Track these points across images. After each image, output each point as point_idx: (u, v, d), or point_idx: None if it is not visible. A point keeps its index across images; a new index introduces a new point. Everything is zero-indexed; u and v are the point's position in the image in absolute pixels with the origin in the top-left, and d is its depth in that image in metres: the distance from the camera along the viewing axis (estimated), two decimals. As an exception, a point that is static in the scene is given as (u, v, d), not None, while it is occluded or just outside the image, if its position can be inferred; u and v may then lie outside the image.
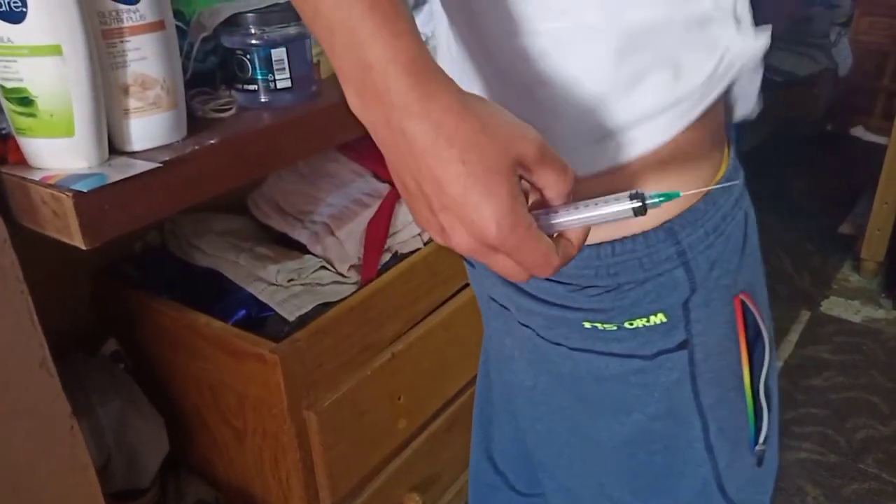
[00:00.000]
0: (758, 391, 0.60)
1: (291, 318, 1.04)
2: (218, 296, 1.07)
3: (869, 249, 2.24)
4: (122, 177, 0.72)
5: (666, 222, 0.53)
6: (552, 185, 0.42)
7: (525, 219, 0.40)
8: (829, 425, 1.73)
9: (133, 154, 0.78)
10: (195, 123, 0.85)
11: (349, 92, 0.41)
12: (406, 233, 1.19)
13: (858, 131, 3.18)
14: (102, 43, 0.73)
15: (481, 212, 0.39)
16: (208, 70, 0.94)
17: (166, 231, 1.17)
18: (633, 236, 0.53)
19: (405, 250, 1.19)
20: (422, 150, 0.39)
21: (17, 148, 0.75)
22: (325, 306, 1.06)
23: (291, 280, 1.09)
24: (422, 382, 1.17)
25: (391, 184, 1.19)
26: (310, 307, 1.06)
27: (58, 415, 0.87)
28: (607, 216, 0.43)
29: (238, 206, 1.22)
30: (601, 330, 0.57)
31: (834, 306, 2.18)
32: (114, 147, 0.78)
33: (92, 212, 0.71)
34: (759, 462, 0.63)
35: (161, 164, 0.75)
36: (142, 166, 0.75)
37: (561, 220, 0.44)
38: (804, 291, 2.26)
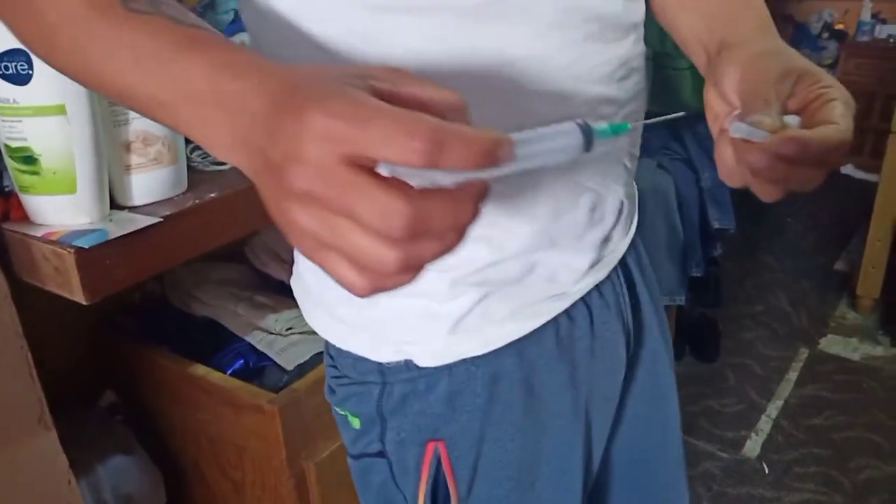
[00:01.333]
0: None
1: (290, 367, 1.04)
2: (216, 346, 1.07)
3: (864, 286, 2.26)
4: (124, 232, 0.74)
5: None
6: (381, 145, 0.30)
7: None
8: (831, 465, 1.71)
9: (134, 209, 0.80)
10: (195, 177, 0.86)
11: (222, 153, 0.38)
12: (404, 279, 1.20)
13: (849, 169, 3.22)
14: (105, 102, 0.75)
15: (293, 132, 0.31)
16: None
17: (165, 281, 1.18)
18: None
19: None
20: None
21: (20, 205, 0.76)
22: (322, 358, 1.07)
23: (290, 328, 1.10)
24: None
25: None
26: (308, 356, 1.06)
27: (56, 470, 0.86)
28: (548, 154, 0.35)
29: (237, 254, 1.23)
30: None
31: (832, 344, 2.18)
32: (115, 202, 0.79)
33: (93, 267, 0.71)
34: None
35: (162, 219, 0.76)
36: (143, 221, 0.76)
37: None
38: (802, 329, 2.26)
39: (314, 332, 1.09)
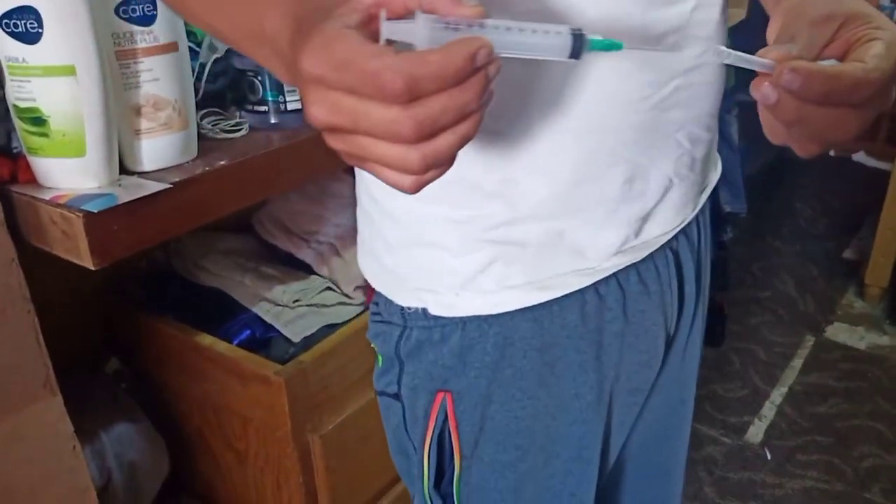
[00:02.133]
0: (428, 493, 0.64)
1: (297, 339, 1.03)
2: (223, 316, 1.06)
3: (873, 275, 2.24)
4: (132, 197, 0.72)
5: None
6: None
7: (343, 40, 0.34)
8: (834, 453, 1.71)
9: (143, 174, 0.78)
10: (205, 144, 0.85)
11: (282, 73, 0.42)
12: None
13: (861, 157, 3.19)
14: (116, 64, 0.73)
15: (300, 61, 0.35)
16: (219, 91, 0.94)
17: (171, 250, 1.17)
18: None
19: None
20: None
21: (28, 167, 0.75)
22: (331, 327, 1.06)
23: (297, 301, 1.09)
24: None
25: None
26: (315, 328, 1.05)
27: (61, 435, 0.86)
28: (531, 46, 0.37)
29: (244, 225, 1.22)
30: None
31: (838, 332, 2.17)
32: (124, 167, 0.78)
33: (101, 232, 0.70)
34: None
35: (171, 185, 0.75)
36: (152, 187, 0.74)
37: (466, 33, 0.35)
38: (809, 316, 2.25)
39: (322, 305, 1.10)
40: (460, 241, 0.56)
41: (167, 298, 1.10)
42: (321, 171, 0.99)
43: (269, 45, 0.40)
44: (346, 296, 1.12)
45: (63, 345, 0.86)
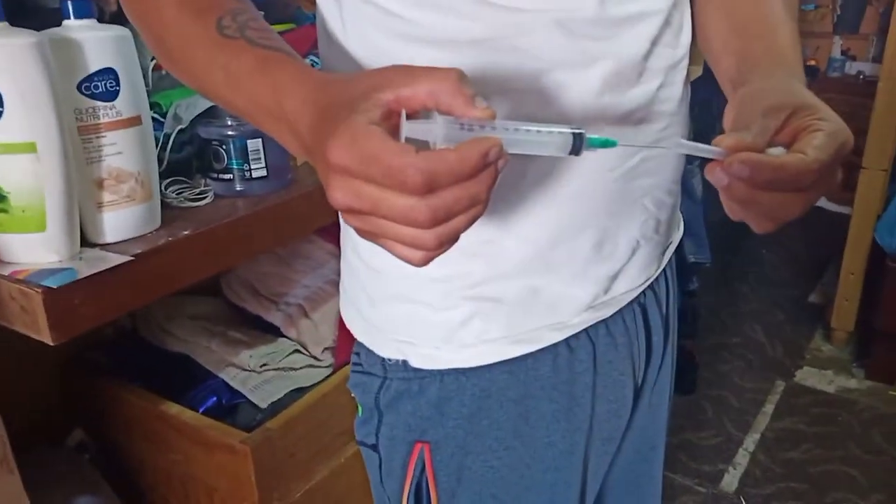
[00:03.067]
0: None
1: (264, 405, 1.02)
2: (189, 382, 1.05)
3: (838, 319, 2.28)
4: (94, 271, 0.72)
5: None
6: (435, 90, 0.39)
7: (367, 131, 0.37)
8: (809, 500, 1.71)
9: (106, 246, 0.78)
10: (170, 213, 0.85)
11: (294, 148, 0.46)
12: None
13: (822, 202, 3.27)
14: (78, 139, 0.74)
15: (327, 145, 0.38)
16: (184, 160, 0.95)
17: (138, 316, 1.16)
18: None
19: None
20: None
21: (-12, 242, 0.74)
22: (299, 391, 1.05)
23: (264, 365, 1.08)
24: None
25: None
26: (282, 393, 1.04)
27: (18, 514, 0.83)
28: (536, 144, 0.41)
29: (212, 287, 1.22)
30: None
31: (808, 376, 2.20)
32: (86, 239, 0.78)
33: (61, 308, 0.70)
34: None
35: (133, 257, 0.75)
36: (114, 259, 0.74)
37: (479, 133, 0.39)
38: (777, 362, 2.28)
39: (290, 368, 1.09)
40: (441, 298, 0.58)
41: (133, 365, 1.09)
42: (287, 237, 0.99)
43: (287, 124, 0.44)
44: (315, 358, 1.12)
45: (24, 416, 0.84)
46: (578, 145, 0.41)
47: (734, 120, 0.46)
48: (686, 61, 0.60)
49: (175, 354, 1.11)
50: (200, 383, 1.05)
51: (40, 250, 0.73)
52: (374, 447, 0.65)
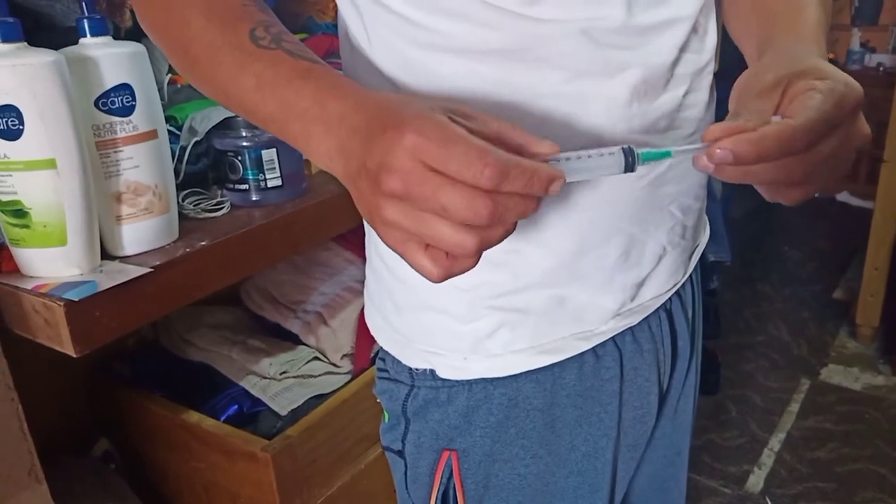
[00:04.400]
0: None
1: (284, 412, 1.03)
2: (210, 391, 1.06)
3: (863, 315, 2.25)
4: (114, 283, 0.73)
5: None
6: (502, 128, 0.41)
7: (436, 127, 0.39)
8: (837, 499, 1.69)
9: (125, 259, 0.80)
10: (187, 224, 0.86)
11: (325, 162, 0.46)
12: (399, 320, 1.20)
13: (844, 196, 3.23)
14: (96, 154, 0.75)
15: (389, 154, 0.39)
16: (200, 171, 0.96)
17: (159, 326, 1.17)
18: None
19: (398, 337, 1.19)
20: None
21: (10, 257, 0.76)
22: (318, 398, 1.06)
23: (284, 372, 1.09)
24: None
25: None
26: (303, 400, 1.05)
27: (46, 524, 0.85)
28: (594, 169, 0.43)
29: (231, 296, 1.23)
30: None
31: (833, 374, 2.17)
32: (106, 252, 0.79)
33: (83, 320, 0.71)
34: None
35: (152, 269, 0.76)
36: (133, 271, 0.76)
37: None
38: (803, 359, 2.25)
39: (309, 376, 1.10)
40: (468, 308, 0.58)
41: (155, 375, 1.10)
42: (303, 245, 1.00)
43: (324, 124, 0.44)
44: (334, 365, 1.13)
45: (50, 428, 0.86)
46: (631, 161, 0.42)
47: (735, 105, 0.45)
48: (712, 65, 0.59)
49: (196, 364, 1.12)
50: (221, 392, 1.06)
51: (61, 264, 0.74)
52: (401, 453, 0.64)
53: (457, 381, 0.60)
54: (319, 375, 1.10)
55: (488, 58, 0.51)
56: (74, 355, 0.73)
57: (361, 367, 1.12)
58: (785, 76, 0.43)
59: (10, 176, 0.70)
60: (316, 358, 1.13)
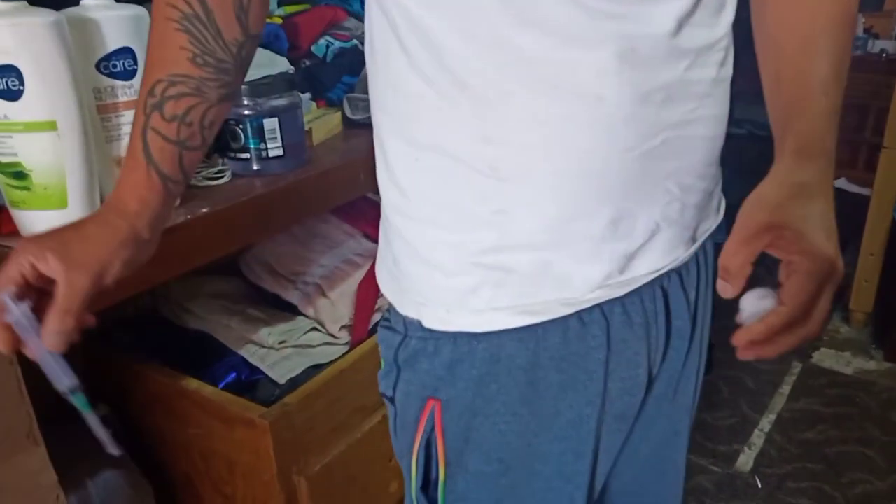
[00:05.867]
0: (416, 496, 0.68)
1: (282, 381, 1.04)
2: (209, 359, 1.07)
3: (857, 301, 2.26)
4: (114, 247, 0.73)
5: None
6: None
7: None
8: (825, 480, 1.71)
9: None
10: (188, 192, 0.86)
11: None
12: (397, 293, 1.20)
13: (842, 183, 3.23)
14: (97, 117, 0.75)
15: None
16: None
17: (157, 295, 1.17)
18: None
19: (396, 310, 1.19)
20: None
21: (10, 219, 0.76)
22: (316, 368, 1.06)
23: (283, 342, 1.09)
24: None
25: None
26: (300, 370, 1.06)
27: (43, 486, 0.86)
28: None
29: (230, 266, 1.23)
30: None
31: (825, 358, 2.18)
32: (106, 217, 0.79)
33: (83, 283, 0.71)
34: None
35: (153, 234, 0.76)
36: (134, 236, 0.75)
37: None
38: (795, 343, 2.26)
39: (307, 346, 1.10)
40: (453, 262, 0.59)
41: (153, 343, 1.11)
42: (303, 215, 1.00)
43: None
44: (332, 336, 1.13)
45: (49, 392, 0.86)
46: None
47: (736, 226, 0.51)
48: (726, 41, 0.59)
49: (195, 332, 1.13)
50: (220, 360, 1.07)
51: (62, 227, 0.74)
52: (392, 400, 0.67)
53: (442, 333, 0.61)
54: (318, 346, 1.11)
55: (475, 17, 0.52)
56: (75, 318, 0.72)
57: (359, 339, 1.12)
58: (775, 226, 0.50)
59: (11, 137, 0.70)
60: (314, 329, 1.13)
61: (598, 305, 0.61)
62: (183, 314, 1.15)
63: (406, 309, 0.64)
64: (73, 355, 1.06)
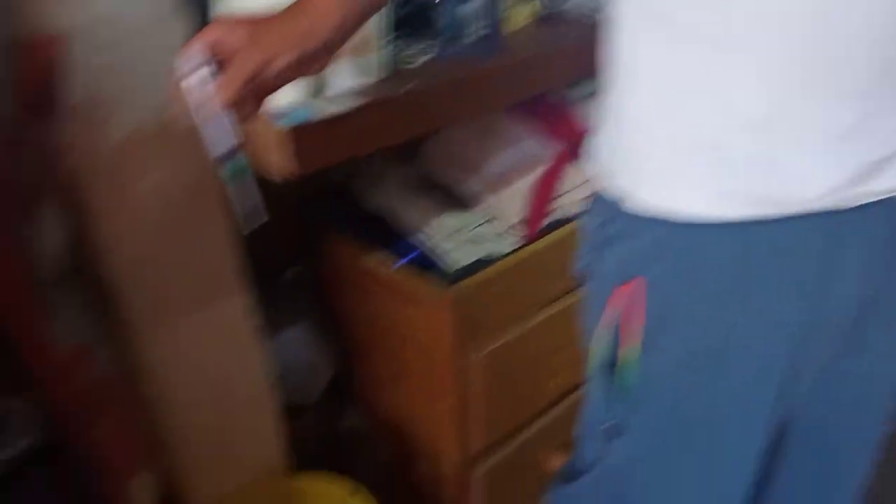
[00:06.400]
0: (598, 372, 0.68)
1: (455, 269, 1.07)
2: (390, 240, 1.12)
3: None
4: (321, 117, 0.78)
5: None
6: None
7: None
8: None
9: (329, 98, 0.83)
10: (388, 71, 0.88)
11: None
12: (572, 196, 1.19)
13: None
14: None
15: None
16: (404, 19, 0.97)
17: (348, 173, 1.23)
18: None
19: (569, 214, 1.18)
20: None
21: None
22: (488, 261, 1.09)
23: (456, 233, 1.12)
24: (574, 347, 1.17)
25: (563, 143, 1.18)
26: (474, 259, 1.08)
27: (247, 330, 0.95)
28: None
29: (410, 155, 1.27)
30: None
31: None
32: (313, 87, 0.83)
33: (293, 146, 0.76)
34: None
35: (357, 107, 0.80)
36: (339, 107, 0.79)
37: None
38: None
39: (480, 239, 1.12)
40: (670, 146, 0.57)
41: (342, 217, 1.18)
42: (494, 103, 1.00)
43: None
44: (505, 231, 1.14)
45: (251, 250, 0.95)
46: None
47: None
48: None
49: (376, 214, 1.18)
50: (399, 242, 1.12)
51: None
52: (588, 278, 0.68)
53: (655, 214, 0.59)
54: (491, 239, 1.12)
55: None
56: (279, 181, 0.78)
57: (532, 236, 1.13)
58: None
59: None
60: (488, 222, 1.15)
61: (826, 212, 0.55)
62: (368, 196, 1.20)
63: (617, 188, 0.62)
64: (272, 221, 1.14)
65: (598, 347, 0.67)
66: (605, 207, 0.64)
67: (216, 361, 0.93)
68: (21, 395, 0.75)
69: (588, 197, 0.70)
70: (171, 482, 0.97)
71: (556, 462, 1.24)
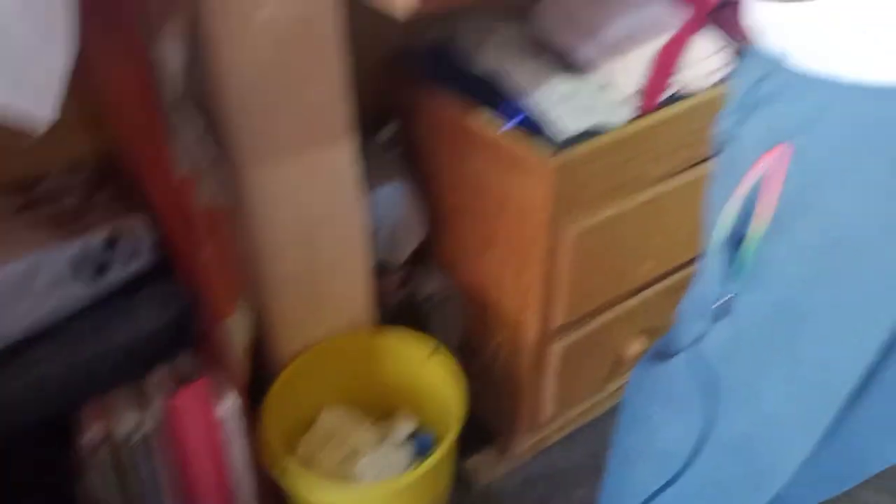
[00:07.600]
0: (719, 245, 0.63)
1: (563, 135, 1.02)
2: (495, 101, 1.07)
3: None
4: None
5: None
6: None
7: None
8: None
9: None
10: None
11: None
12: (696, 70, 1.10)
13: None
14: None
15: None
16: None
17: (454, 31, 1.17)
18: None
19: (690, 89, 1.10)
20: None
21: None
22: (596, 132, 1.03)
23: (567, 99, 1.06)
24: (678, 230, 1.12)
25: (692, 10, 1.08)
26: (584, 127, 1.03)
27: (350, 178, 0.95)
28: None
29: (524, 15, 1.19)
30: None
31: None
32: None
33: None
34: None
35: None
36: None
37: None
38: None
39: (593, 105, 1.06)
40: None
41: (445, 75, 1.13)
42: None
43: None
44: (621, 100, 1.08)
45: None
46: None
47: None
48: None
49: (483, 73, 1.13)
50: (506, 103, 1.07)
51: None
52: (733, 139, 0.62)
53: (816, 74, 0.53)
54: (605, 107, 1.06)
55: None
56: (398, 16, 0.74)
57: (649, 108, 1.06)
58: None
59: None
60: (602, 89, 1.08)
61: None
62: (475, 54, 1.14)
63: (775, 44, 0.56)
64: (375, 73, 1.09)
65: (725, 220, 0.62)
66: (762, 64, 0.58)
67: (318, 205, 0.93)
68: (138, 215, 0.77)
69: (738, 54, 0.63)
70: (263, 325, 1.00)
71: (634, 348, 1.23)
